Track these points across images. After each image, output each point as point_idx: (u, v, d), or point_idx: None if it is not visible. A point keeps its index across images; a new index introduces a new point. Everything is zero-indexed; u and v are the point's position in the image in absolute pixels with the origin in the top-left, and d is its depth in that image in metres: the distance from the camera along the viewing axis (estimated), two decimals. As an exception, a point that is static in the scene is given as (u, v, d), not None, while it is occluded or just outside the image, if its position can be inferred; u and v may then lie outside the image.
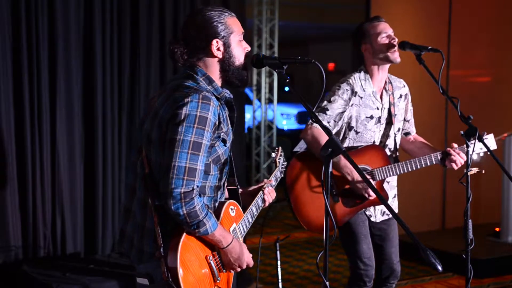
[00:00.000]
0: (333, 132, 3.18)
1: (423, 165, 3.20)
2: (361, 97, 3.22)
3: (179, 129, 2.10)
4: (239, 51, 2.31)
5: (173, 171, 2.08)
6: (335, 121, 3.18)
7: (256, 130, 9.22)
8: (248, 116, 10.22)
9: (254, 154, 9.18)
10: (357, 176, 3.10)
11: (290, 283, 5.17)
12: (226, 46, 2.27)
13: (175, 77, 2.33)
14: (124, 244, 2.35)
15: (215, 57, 2.28)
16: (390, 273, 3.36)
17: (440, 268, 1.96)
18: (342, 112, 3.19)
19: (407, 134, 3.50)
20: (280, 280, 4.09)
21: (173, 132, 2.11)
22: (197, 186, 2.14)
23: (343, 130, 3.25)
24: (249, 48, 2.33)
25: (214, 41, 2.25)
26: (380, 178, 3.19)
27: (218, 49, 2.27)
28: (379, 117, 3.27)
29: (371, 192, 3.10)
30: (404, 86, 3.44)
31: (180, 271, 2.11)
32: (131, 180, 2.33)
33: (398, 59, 3.19)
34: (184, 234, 2.16)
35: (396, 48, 3.17)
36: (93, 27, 4.41)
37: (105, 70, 4.49)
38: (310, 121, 3.18)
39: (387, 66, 3.27)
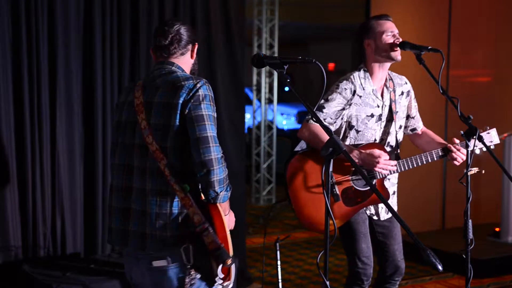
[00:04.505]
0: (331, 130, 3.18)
1: (424, 162, 3.20)
2: (361, 96, 3.22)
3: (202, 107, 2.41)
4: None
5: (210, 140, 2.39)
6: (331, 118, 3.17)
7: (256, 130, 9.22)
8: (248, 116, 10.23)
9: (254, 154, 9.18)
10: (365, 155, 3.09)
11: (290, 283, 5.17)
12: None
13: (167, 71, 2.56)
14: (129, 241, 2.49)
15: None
16: (395, 270, 3.36)
17: (440, 267, 1.96)
18: (340, 110, 3.18)
19: (413, 130, 3.50)
20: (280, 280, 4.09)
21: (198, 110, 2.40)
22: None
23: (344, 129, 3.25)
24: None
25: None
26: (381, 176, 3.19)
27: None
28: (380, 115, 3.27)
29: (384, 168, 3.09)
30: (406, 83, 3.43)
31: (228, 235, 2.46)
32: (124, 181, 2.53)
33: (399, 57, 3.19)
34: (215, 205, 2.44)
35: (398, 48, 3.17)
36: (93, 27, 4.41)
37: (105, 70, 4.48)
38: (306, 118, 3.18)
39: (388, 64, 3.27)
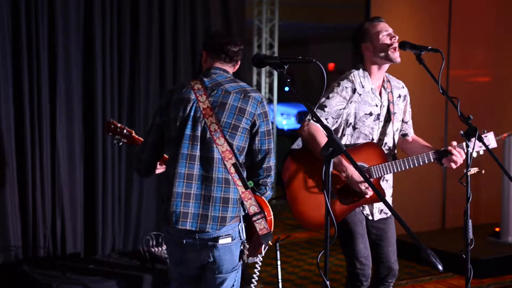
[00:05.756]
0: (332, 129, 3.18)
1: (421, 163, 3.20)
2: (360, 94, 3.22)
3: (268, 122, 2.89)
4: None
5: (273, 151, 2.90)
6: (333, 117, 3.17)
7: (256, 130, 9.21)
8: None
9: (254, 154, 9.18)
10: (352, 173, 3.09)
11: (290, 283, 5.17)
12: None
13: (230, 78, 2.91)
14: (188, 223, 2.76)
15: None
16: (388, 272, 3.37)
17: (440, 267, 1.96)
18: (341, 109, 3.19)
19: (404, 135, 3.50)
20: (280, 280, 4.09)
21: (267, 125, 2.88)
22: None
23: (342, 127, 3.26)
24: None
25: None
26: (377, 176, 3.19)
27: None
28: (378, 114, 3.27)
29: (368, 190, 3.09)
30: (403, 87, 3.43)
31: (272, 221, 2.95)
32: (190, 169, 2.77)
33: (398, 59, 3.19)
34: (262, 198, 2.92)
35: (396, 47, 3.17)
36: (93, 27, 4.41)
37: (105, 70, 4.49)
38: (307, 117, 3.18)
39: (387, 65, 3.27)
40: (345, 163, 3.10)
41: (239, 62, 3.00)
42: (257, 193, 2.90)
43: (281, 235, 4.60)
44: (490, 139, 3.22)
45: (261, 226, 2.82)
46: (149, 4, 4.63)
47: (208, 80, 2.85)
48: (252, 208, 2.81)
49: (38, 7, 4.19)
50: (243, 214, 2.84)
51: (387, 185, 3.34)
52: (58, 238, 4.35)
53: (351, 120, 3.23)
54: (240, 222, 2.83)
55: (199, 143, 2.76)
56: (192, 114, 2.77)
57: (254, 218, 2.81)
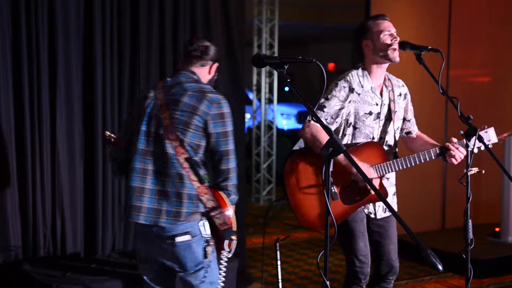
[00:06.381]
0: (332, 129, 3.18)
1: (422, 161, 3.20)
2: (359, 94, 3.23)
3: (225, 123, 2.86)
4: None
5: (232, 153, 2.88)
6: (332, 118, 3.18)
7: (256, 130, 9.22)
8: (248, 116, 10.23)
9: (254, 154, 9.19)
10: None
11: (290, 283, 5.17)
12: None
13: (192, 79, 2.95)
14: (141, 217, 2.84)
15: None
16: (389, 269, 3.38)
17: (440, 267, 1.96)
18: (340, 109, 3.19)
19: (408, 133, 3.51)
20: (280, 280, 4.09)
21: (224, 126, 2.85)
22: None
23: (342, 127, 3.26)
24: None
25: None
26: (379, 175, 3.19)
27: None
28: (378, 113, 3.27)
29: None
30: (403, 86, 3.45)
31: (233, 217, 2.93)
32: (145, 164, 2.86)
33: (398, 59, 3.19)
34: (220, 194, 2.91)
35: (396, 48, 3.17)
36: (93, 27, 4.41)
37: (105, 70, 4.49)
38: (308, 118, 3.18)
39: (386, 64, 3.28)
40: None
41: (210, 62, 3.02)
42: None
43: (281, 235, 4.60)
44: (491, 135, 3.22)
45: (220, 221, 2.84)
46: (149, 4, 4.63)
47: (170, 80, 2.97)
48: (210, 203, 2.83)
49: (38, 7, 4.18)
50: (203, 210, 2.85)
51: (389, 183, 3.35)
52: (58, 238, 4.35)
53: (351, 119, 3.24)
54: (201, 219, 2.85)
55: (153, 139, 2.85)
56: (148, 110, 2.89)
57: (212, 214, 2.83)
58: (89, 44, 4.43)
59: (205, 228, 2.85)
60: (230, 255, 2.94)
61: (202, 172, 2.86)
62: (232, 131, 2.89)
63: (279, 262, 4.06)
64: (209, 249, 2.86)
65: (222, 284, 2.99)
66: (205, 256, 2.87)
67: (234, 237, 2.86)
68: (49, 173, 4.29)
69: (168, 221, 2.80)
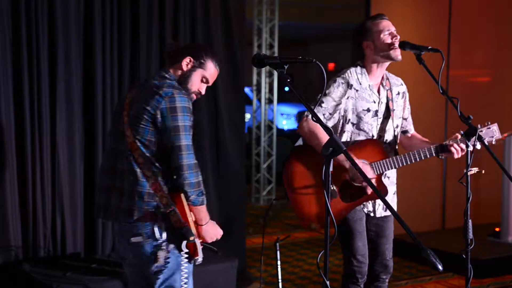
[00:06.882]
0: (329, 125, 3.19)
1: (422, 158, 3.20)
2: (357, 90, 3.24)
3: (177, 118, 2.69)
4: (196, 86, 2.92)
5: (185, 149, 2.70)
6: (330, 113, 3.20)
7: (256, 130, 9.22)
8: (248, 116, 10.23)
9: (254, 154, 9.18)
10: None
11: (290, 283, 5.17)
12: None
13: (161, 75, 2.88)
14: (108, 214, 2.87)
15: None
16: (383, 269, 3.40)
17: (440, 267, 1.96)
18: (337, 105, 3.20)
19: (405, 132, 3.52)
20: (280, 280, 4.09)
21: (175, 120, 2.69)
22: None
23: (341, 124, 3.27)
24: (202, 93, 2.94)
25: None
26: (378, 172, 3.20)
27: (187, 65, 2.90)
28: (376, 111, 3.28)
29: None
30: (402, 85, 3.46)
31: (190, 220, 2.77)
32: (110, 162, 2.86)
33: (399, 57, 3.19)
34: (179, 195, 2.75)
35: (397, 47, 3.17)
36: (93, 27, 4.41)
37: (105, 70, 4.48)
38: (306, 113, 3.19)
39: (387, 64, 3.28)
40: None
41: (177, 60, 2.92)
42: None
43: (281, 235, 4.60)
44: (495, 130, 3.22)
45: (174, 218, 2.72)
46: (149, 4, 4.63)
47: (146, 79, 3.01)
48: (164, 200, 2.73)
49: (38, 7, 4.18)
50: (157, 210, 2.74)
51: (389, 182, 3.35)
52: (58, 238, 4.35)
53: (350, 116, 3.25)
54: (157, 221, 2.74)
55: (119, 137, 2.85)
56: (117, 110, 2.95)
57: (164, 210, 2.74)
58: (89, 44, 4.43)
59: (159, 232, 2.74)
60: (199, 260, 2.78)
61: (156, 169, 2.75)
62: (187, 126, 2.72)
63: (279, 262, 4.06)
64: (161, 254, 2.74)
65: None
66: (155, 260, 2.74)
67: (191, 237, 2.69)
68: (49, 173, 4.29)
69: (125, 219, 2.77)
